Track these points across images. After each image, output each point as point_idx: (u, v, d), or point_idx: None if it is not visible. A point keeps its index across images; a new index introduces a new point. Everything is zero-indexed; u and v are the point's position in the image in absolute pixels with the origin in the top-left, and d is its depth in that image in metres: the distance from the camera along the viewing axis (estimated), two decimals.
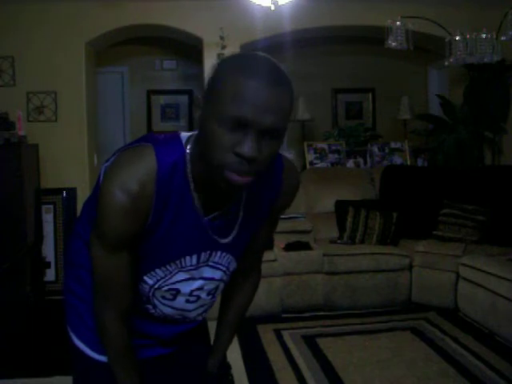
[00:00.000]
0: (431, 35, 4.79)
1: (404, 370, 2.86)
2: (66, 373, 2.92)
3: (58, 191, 4.55)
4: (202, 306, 1.27)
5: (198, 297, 1.23)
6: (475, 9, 4.79)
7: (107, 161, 1.14)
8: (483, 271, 3.41)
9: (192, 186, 1.06)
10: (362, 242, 4.16)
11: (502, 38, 4.23)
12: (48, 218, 4.52)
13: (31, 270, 4.05)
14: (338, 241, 4.21)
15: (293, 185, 1.23)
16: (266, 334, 3.45)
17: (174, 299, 1.20)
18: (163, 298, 1.20)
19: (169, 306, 1.22)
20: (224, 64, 0.97)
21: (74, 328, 1.29)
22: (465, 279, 3.63)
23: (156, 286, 1.17)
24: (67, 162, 4.56)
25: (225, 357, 1.42)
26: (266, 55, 1.00)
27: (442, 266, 3.81)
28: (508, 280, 3.17)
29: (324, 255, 3.87)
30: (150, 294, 1.18)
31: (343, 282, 3.86)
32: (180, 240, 1.11)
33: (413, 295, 3.92)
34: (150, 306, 1.22)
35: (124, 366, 1.17)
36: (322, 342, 3.28)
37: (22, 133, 4.08)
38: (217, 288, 1.26)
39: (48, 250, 4.49)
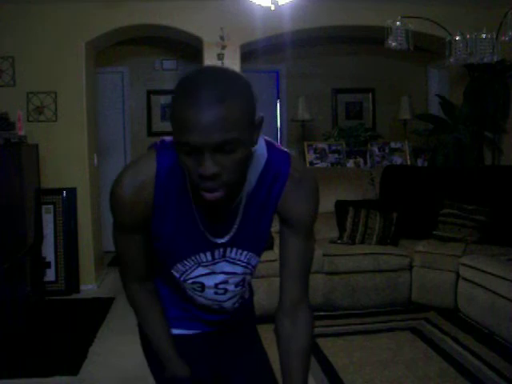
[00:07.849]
0: (431, 35, 4.78)
1: (404, 370, 2.86)
2: (66, 373, 2.94)
3: (58, 191, 4.55)
4: (233, 296, 1.31)
5: (226, 289, 1.27)
6: (475, 9, 4.79)
7: None
8: (483, 271, 3.41)
9: (190, 188, 1.11)
10: (362, 242, 4.15)
11: (502, 38, 4.22)
12: (48, 218, 4.53)
13: (31, 270, 4.04)
14: (338, 241, 4.21)
15: (306, 190, 1.21)
16: (266, 333, 3.44)
17: (202, 291, 1.26)
18: (193, 290, 1.26)
19: (202, 297, 1.28)
20: (175, 89, 0.99)
21: None
22: (465, 279, 3.62)
23: (182, 279, 1.24)
24: (67, 162, 4.56)
25: None
26: (212, 67, 1.02)
27: (442, 266, 3.80)
28: (508, 280, 3.17)
29: (324, 255, 3.87)
30: (182, 286, 1.27)
31: (343, 282, 3.86)
32: (187, 238, 1.17)
33: (413, 295, 3.92)
34: (193, 295, 1.29)
35: (154, 327, 1.30)
36: (322, 342, 3.28)
37: (22, 133, 4.08)
38: (243, 280, 1.29)
39: (48, 250, 4.49)
